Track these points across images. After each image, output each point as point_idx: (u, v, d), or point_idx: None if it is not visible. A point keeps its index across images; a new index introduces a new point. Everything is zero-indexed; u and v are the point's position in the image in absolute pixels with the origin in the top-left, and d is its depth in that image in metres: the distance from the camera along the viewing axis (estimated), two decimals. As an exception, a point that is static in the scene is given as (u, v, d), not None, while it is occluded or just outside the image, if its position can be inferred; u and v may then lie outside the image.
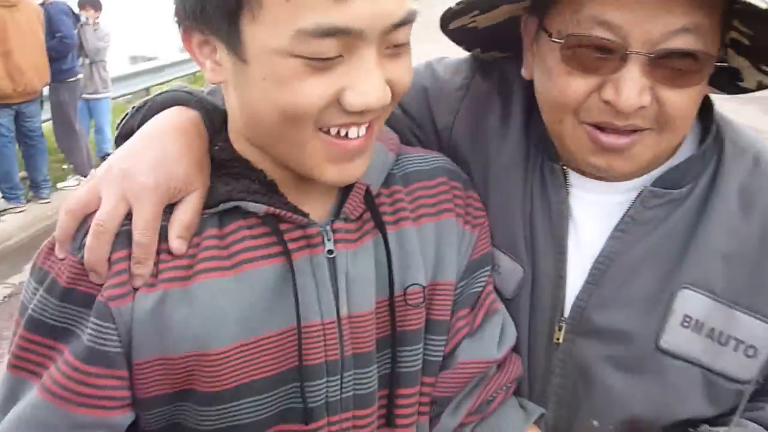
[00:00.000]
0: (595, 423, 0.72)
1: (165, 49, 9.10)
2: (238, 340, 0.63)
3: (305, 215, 0.64)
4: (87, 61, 5.59)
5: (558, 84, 0.67)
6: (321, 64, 0.56)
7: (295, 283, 0.62)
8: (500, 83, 0.80)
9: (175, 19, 0.61)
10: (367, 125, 0.61)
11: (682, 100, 0.64)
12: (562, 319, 0.74)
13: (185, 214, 0.62)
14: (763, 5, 0.57)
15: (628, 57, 0.62)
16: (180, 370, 0.62)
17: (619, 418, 0.72)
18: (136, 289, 0.62)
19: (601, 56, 0.63)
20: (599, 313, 0.72)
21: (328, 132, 0.60)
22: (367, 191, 0.67)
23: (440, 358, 0.71)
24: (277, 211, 0.63)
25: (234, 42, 0.57)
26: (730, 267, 0.70)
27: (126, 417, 0.65)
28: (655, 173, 0.74)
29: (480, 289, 0.73)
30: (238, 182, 0.64)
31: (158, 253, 0.63)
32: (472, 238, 0.74)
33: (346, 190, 0.68)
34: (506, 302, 0.77)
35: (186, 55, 8.61)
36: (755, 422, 0.71)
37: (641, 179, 0.74)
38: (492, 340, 0.72)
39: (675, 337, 0.71)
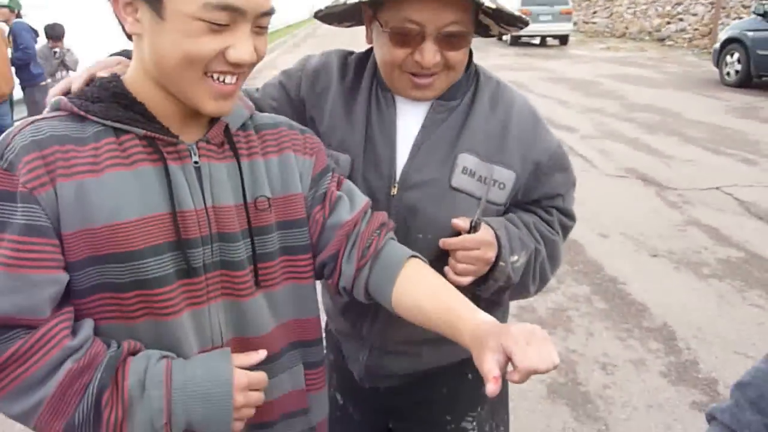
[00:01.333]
0: (420, 236, 1.14)
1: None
2: (143, 214, 0.84)
3: (175, 137, 0.88)
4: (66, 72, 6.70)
5: (388, 53, 1.09)
6: (217, 27, 0.81)
7: (170, 180, 0.86)
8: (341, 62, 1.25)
9: None
10: (237, 76, 0.86)
11: (457, 55, 1.08)
12: (395, 180, 1.15)
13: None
14: (492, 5, 1.02)
15: (426, 36, 1.04)
16: (100, 237, 0.82)
17: (432, 231, 1.13)
18: (51, 180, 0.81)
19: (410, 37, 1.05)
20: (415, 173, 1.14)
21: (211, 77, 0.84)
22: (227, 127, 0.94)
23: (301, 244, 0.99)
24: (152, 133, 0.86)
25: (156, 5, 0.80)
26: (486, 141, 1.14)
27: (66, 276, 0.83)
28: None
29: (324, 190, 1.03)
30: (126, 111, 0.86)
31: (68, 151, 0.82)
32: (309, 162, 1.02)
33: (212, 126, 0.93)
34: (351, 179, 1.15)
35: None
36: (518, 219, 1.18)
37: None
38: (344, 210, 1.02)
39: (459, 180, 1.13)
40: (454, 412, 1.31)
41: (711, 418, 0.84)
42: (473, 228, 1.07)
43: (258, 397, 0.91)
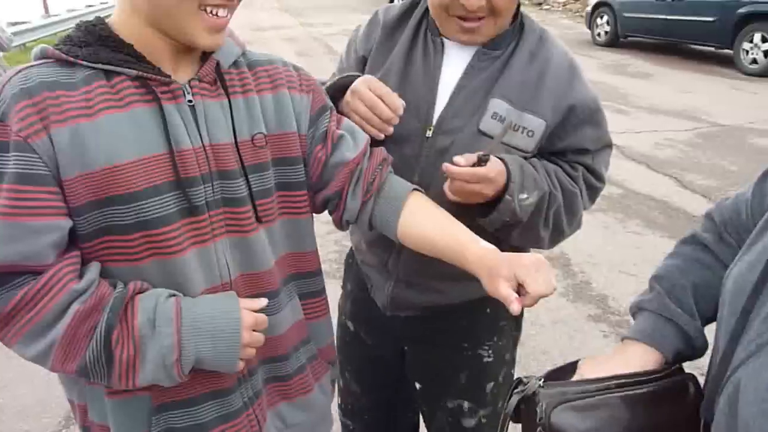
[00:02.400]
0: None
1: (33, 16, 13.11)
2: (142, 155, 0.83)
3: (168, 76, 0.86)
4: None
5: None
6: None
7: (165, 119, 0.85)
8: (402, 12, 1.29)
9: None
10: (228, 9, 0.86)
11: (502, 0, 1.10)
12: (432, 123, 1.18)
13: None
14: None
15: None
16: (99, 180, 0.81)
17: None
18: (45, 127, 0.79)
19: None
20: (452, 118, 1.17)
21: (205, 10, 0.84)
22: (218, 65, 0.93)
23: (297, 180, 1.00)
24: (144, 73, 0.85)
25: None
26: (520, 89, 1.15)
27: (69, 222, 0.82)
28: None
29: (325, 129, 1.02)
30: (115, 53, 0.84)
31: (59, 97, 0.81)
32: (306, 99, 1.02)
33: (203, 65, 0.91)
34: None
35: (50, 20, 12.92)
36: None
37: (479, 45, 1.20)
38: (347, 148, 1.02)
39: (487, 124, 1.15)
40: (472, 340, 1.33)
41: (637, 309, 0.95)
42: (480, 163, 1.04)
43: (260, 338, 0.92)
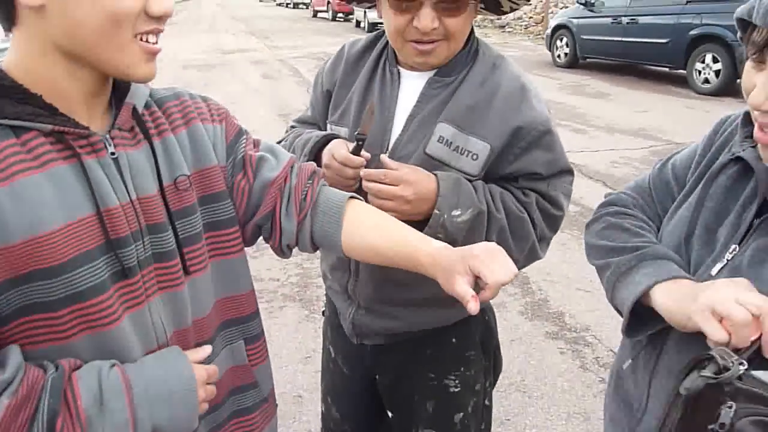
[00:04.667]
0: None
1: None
2: (67, 220, 0.75)
3: (86, 128, 0.79)
4: None
5: (392, 21, 1.15)
6: None
7: (89, 177, 0.78)
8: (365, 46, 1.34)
9: None
10: (156, 35, 0.80)
11: (455, 23, 1.13)
12: (389, 147, 1.22)
13: None
14: None
15: (424, 2, 1.10)
16: (19, 254, 0.72)
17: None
18: None
19: (409, 3, 1.12)
20: (404, 146, 1.21)
21: (140, 38, 0.77)
22: (134, 109, 0.86)
23: (225, 217, 0.95)
24: (60, 127, 0.76)
25: None
26: (467, 113, 1.17)
27: None
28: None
29: (242, 155, 0.98)
30: (23, 106, 0.75)
31: None
32: (219, 128, 0.98)
33: (117, 111, 0.85)
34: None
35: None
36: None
37: (432, 71, 1.23)
38: (270, 168, 0.98)
39: (433, 148, 1.18)
40: (437, 369, 1.32)
41: (590, 248, 1.04)
42: (358, 142, 1.13)
43: (213, 390, 0.88)
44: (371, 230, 0.97)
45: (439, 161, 1.16)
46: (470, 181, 1.16)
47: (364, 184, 1.12)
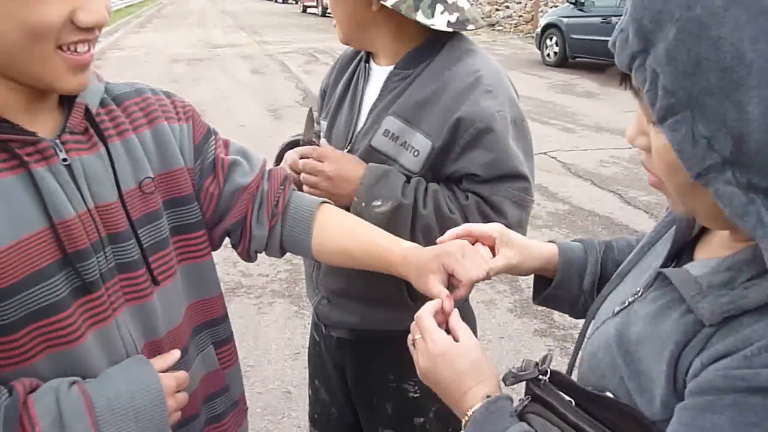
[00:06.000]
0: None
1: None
2: (18, 236, 0.70)
3: (32, 134, 0.72)
4: None
5: None
6: None
7: (39, 188, 0.72)
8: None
9: None
10: (89, 43, 0.73)
11: (331, 3, 1.21)
12: (351, 140, 1.24)
13: None
14: None
15: None
16: None
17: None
18: None
19: None
20: (361, 139, 1.22)
21: (63, 49, 0.70)
22: (87, 109, 0.79)
23: (192, 221, 0.91)
24: (3, 135, 0.70)
25: None
26: (415, 107, 1.15)
27: None
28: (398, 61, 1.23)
29: (212, 158, 0.94)
30: None
31: None
32: (186, 128, 0.92)
33: (68, 112, 0.78)
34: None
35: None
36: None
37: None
38: (242, 173, 0.95)
39: (378, 141, 1.18)
40: (397, 373, 1.31)
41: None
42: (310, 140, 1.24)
43: (184, 397, 0.84)
44: (342, 234, 0.97)
45: (384, 155, 1.16)
46: (409, 177, 1.14)
47: (300, 162, 1.18)
